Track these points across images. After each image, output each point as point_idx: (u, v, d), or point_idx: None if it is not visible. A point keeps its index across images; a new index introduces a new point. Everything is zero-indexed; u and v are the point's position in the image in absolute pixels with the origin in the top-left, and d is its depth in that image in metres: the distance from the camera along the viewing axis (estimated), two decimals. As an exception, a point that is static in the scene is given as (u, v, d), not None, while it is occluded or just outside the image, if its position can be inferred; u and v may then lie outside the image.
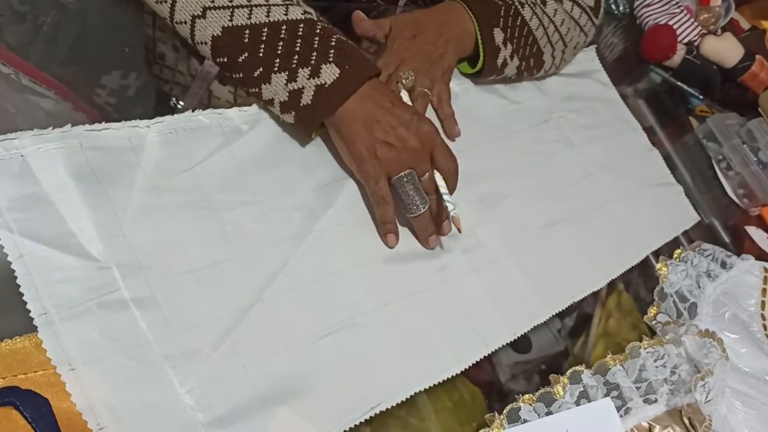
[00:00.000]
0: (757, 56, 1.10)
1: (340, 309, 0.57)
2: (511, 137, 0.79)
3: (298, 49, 0.57)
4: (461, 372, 0.62)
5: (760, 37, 1.16)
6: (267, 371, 0.51)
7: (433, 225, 0.64)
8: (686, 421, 0.65)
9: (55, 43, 0.65)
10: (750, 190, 0.99)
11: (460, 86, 0.79)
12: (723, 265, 0.83)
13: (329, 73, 0.57)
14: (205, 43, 0.58)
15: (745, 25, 1.21)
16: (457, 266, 0.66)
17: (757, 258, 0.87)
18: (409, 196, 0.60)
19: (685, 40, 1.08)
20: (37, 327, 0.44)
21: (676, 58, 1.08)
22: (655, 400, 0.66)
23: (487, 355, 0.63)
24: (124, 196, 0.51)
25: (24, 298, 0.44)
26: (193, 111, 0.58)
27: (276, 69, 0.57)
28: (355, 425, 0.54)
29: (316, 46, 0.57)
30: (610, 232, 0.80)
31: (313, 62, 0.57)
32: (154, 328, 0.48)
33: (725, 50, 1.10)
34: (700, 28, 1.09)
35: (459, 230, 0.61)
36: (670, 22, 1.07)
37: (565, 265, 0.74)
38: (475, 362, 0.62)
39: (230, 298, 0.52)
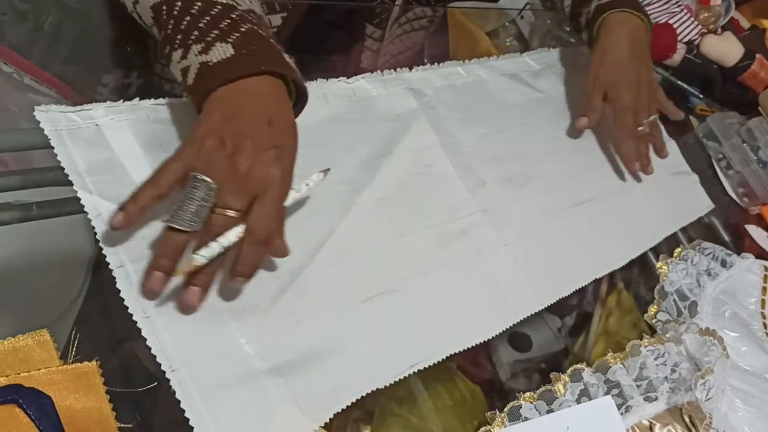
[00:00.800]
0: (757, 55, 1.11)
1: (382, 275, 0.61)
2: (538, 123, 0.83)
3: (201, 25, 0.50)
4: (462, 372, 0.63)
5: (760, 36, 1.17)
6: (318, 327, 0.55)
7: (173, 261, 0.48)
8: (687, 419, 0.65)
9: (56, 42, 0.65)
10: (750, 188, 1.00)
11: (488, 74, 0.82)
12: (723, 263, 0.84)
13: (221, 51, 0.49)
14: (153, 26, 0.54)
15: (745, 24, 1.21)
16: (489, 240, 0.69)
17: (757, 256, 0.87)
18: (185, 202, 0.47)
19: (686, 39, 1.08)
20: (36, 327, 0.44)
21: (677, 57, 1.08)
22: (656, 398, 0.66)
23: (516, 323, 0.66)
24: None
25: (103, 251, 0.48)
26: None
27: (176, 45, 0.50)
28: (356, 424, 0.54)
29: (222, 26, 0.50)
30: (630, 215, 0.84)
31: (209, 39, 0.49)
32: (217, 284, 0.51)
33: (725, 49, 1.10)
34: (700, 27, 1.09)
35: (182, 273, 0.48)
36: (671, 22, 1.08)
37: (588, 243, 0.77)
38: (504, 329, 0.64)
39: (286, 260, 0.55)
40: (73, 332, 0.46)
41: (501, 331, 0.64)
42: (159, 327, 0.47)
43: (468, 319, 0.63)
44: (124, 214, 0.46)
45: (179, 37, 0.50)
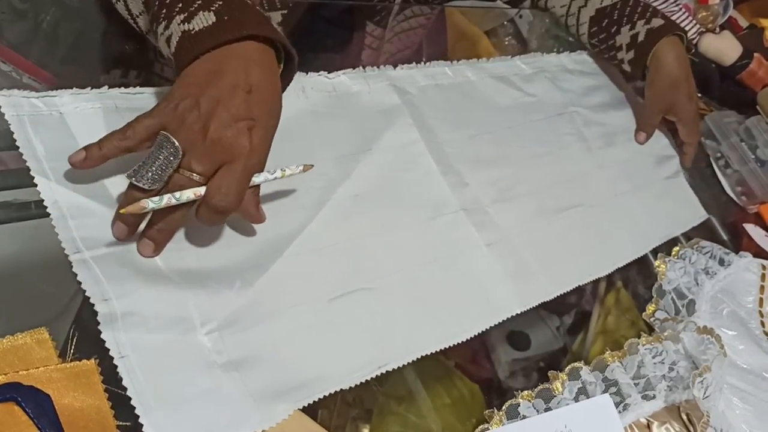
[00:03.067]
0: (756, 54, 1.11)
1: (357, 272, 0.59)
2: (526, 126, 0.82)
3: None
4: (461, 370, 0.63)
5: (759, 35, 1.17)
6: (284, 323, 0.53)
7: (133, 219, 0.49)
8: (684, 417, 0.65)
9: (55, 41, 0.65)
10: (748, 187, 1.00)
11: (476, 75, 0.81)
12: (721, 262, 0.84)
13: (203, 19, 0.49)
14: (143, 13, 0.54)
15: (744, 23, 1.21)
16: (471, 239, 0.68)
17: (755, 255, 0.87)
18: (150, 161, 0.46)
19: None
20: (35, 325, 0.44)
21: (675, 56, 1.08)
22: (654, 396, 0.66)
23: (494, 324, 0.64)
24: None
25: (59, 237, 0.47)
26: None
27: (161, 18, 0.50)
28: (355, 422, 0.54)
29: None
30: (619, 222, 0.82)
31: (191, 9, 0.49)
32: (181, 274, 0.50)
33: (724, 48, 1.10)
34: (698, 26, 1.09)
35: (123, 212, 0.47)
36: (669, 20, 1.07)
37: (574, 248, 0.76)
38: (483, 330, 0.63)
39: (252, 255, 0.54)
40: (72, 331, 0.46)
41: (479, 332, 0.62)
42: (117, 313, 0.46)
43: (446, 319, 0.62)
44: (86, 154, 0.47)
45: (164, 11, 0.50)
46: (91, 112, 0.52)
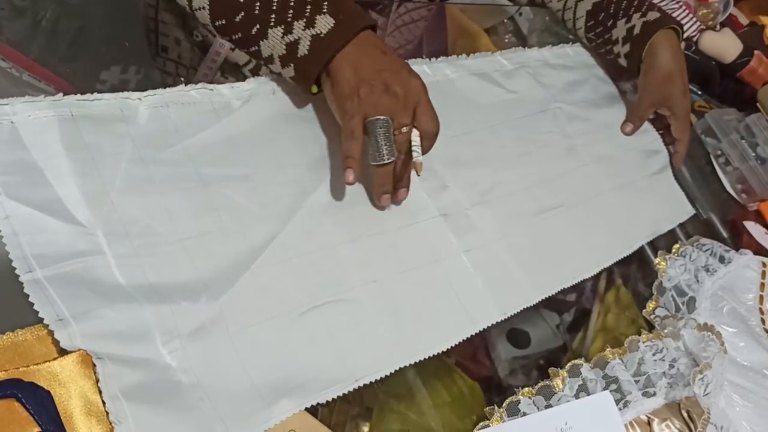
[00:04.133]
0: (756, 52, 1.11)
1: (328, 283, 0.58)
2: (507, 125, 0.80)
3: (292, 3, 0.57)
4: (461, 368, 0.62)
5: (759, 32, 1.17)
6: (252, 339, 0.51)
7: (392, 183, 0.62)
8: (685, 414, 0.65)
9: (54, 38, 0.65)
10: (748, 185, 1.00)
11: (456, 73, 0.79)
12: (721, 259, 0.84)
13: (324, 23, 0.57)
14: (203, 8, 0.59)
15: (744, 20, 1.21)
16: (449, 246, 0.66)
17: (755, 253, 0.87)
18: (378, 143, 0.58)
19: (684, 36, 1.08)
20: (35, 322, 0.44)
21: (675, 54, 1.08)
22: (654, 394, 0.66)
23: (475, 333, 0.63)
24: (113, 165, 0.52)
25: (10, 256, 0.44)
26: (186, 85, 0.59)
27: (272, 24, 0.57)
28: (355, 421, 0.54)
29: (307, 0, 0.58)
30: (603, 221, 0.80)
31: (307, 14, 0.57)
32: (141, 290, 0.48)
33: (724, 46, 1.10)
34: (698, 23, 1.09)
35: (418, 173, 0.60)
36: (669, 18, 1.07)
37: (556, 251, 0.74)
38: (462, 340, 0.62)
39: (218, 268, 0.52)
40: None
41: (457, 343, 0.61)
42: (74, 331, 0.44)
43: (423, 330, 0.60)
44: (352, 171, 0.58)
45: (273, 16, 0.57)
46: (44, 121, 0.50)
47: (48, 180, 0.48)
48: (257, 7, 0.57)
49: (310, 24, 0.57)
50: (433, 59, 0.78)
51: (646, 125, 0.94)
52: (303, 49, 0.58)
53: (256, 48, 0.59)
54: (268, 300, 0.54)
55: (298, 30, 0.57)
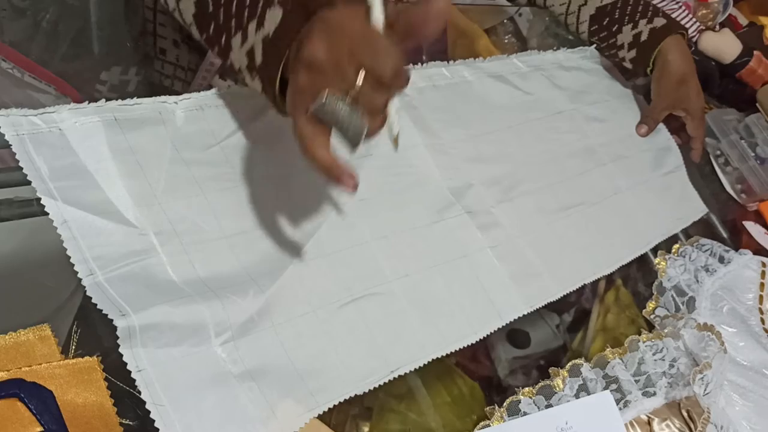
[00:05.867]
0: (755, 52, 1.11)
1: (363, 277, 0.59)
2: (526, 125, 0.82)
3: (248, 2, 0.50)
4: (461, 368, 0.63)
5: (758, 32, 1.17)
6: (295, 331, 0.54)
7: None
8: (685, 414, 0.65)
9: (55, 39, 0.65)
10: (748, 185, 1.00)
11: (473, 75, 0.81)
12: (721, 259, 0.84)
13: (272, 19, 0.48)
14: (192, 24, 0.56)
15: (743, 20, 1.21)
16: (475, 242, 0.68)
17: (755, 253, 0.87)
18: (337, 122, 0.44)
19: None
20: (37, 321, 0.45)
21: (675, 54, 1.08)
22: (654, 393, 0.66)
23: (500, 327, 0.64)
24: (156, 167, 0.53)
25: (71, 260, 0.46)
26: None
27: (233, 31, 0.51)
28: (355, 420, 0.54)
29: None
30: (621, 219, 0.83)
31: (259, 11, 0.49)
32: (193, 286, 0.50)
33: (723, 46, 1.10)
34: (698, 23, 1.09)
35: (395, 147, 0.49)
36: (669, 18, 1.08)
37: (577, 247, 0.76)
38: (490, 333, 0.63)
39: (262, 264, 0.54)
40: (74, 327, 0.46)
41: (485, 336, 0.63)
42: (135, 327, 0.46)
43: (452, 323, 0.62)
44: (345, 176, 0.46)
45: (232, 22, 0.50)
46: (90, 126, 0.51)
47: (98, 183, 0.50)
48: (221, 15, 0.52)
49: (260, 24, 0.49)
50: (452, 62, 0.79)
51: (659, 125, 0.96)
52: (258, 57, 0.49)
53: (229, 61, 0.53)
54: (308, 294, 0.56)
55: (251, 35, 0.49)
